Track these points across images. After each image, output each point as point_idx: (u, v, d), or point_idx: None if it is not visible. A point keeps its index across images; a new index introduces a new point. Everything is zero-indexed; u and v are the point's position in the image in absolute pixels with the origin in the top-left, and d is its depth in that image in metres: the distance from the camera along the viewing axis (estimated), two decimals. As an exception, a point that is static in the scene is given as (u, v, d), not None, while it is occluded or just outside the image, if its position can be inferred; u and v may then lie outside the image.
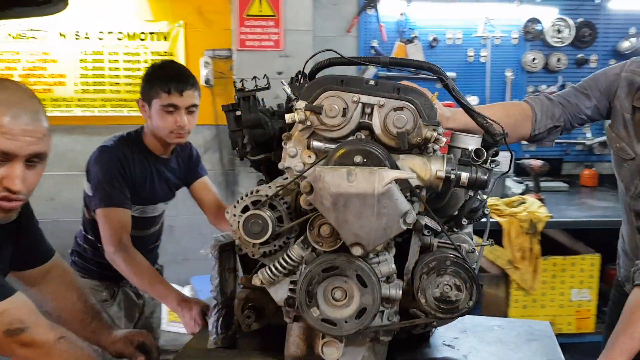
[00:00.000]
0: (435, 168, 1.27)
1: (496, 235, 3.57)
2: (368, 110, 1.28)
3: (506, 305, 3.76)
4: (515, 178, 4.20)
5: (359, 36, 4.47)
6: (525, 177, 4.17)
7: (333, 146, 1.28)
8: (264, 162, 1.51)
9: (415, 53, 4.37)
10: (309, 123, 1.28)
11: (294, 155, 1.34)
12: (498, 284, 3.76)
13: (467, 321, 1.69)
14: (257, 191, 1.34)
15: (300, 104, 1.27)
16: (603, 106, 1.92)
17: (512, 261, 3.66)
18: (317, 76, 1.44)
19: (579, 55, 4.54)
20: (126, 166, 2.27)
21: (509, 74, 4.54)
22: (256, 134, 1.46)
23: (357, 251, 1.22)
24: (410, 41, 4.39)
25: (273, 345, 1.50)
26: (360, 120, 1.29)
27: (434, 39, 4.46)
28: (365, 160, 1.22)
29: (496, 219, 3.62)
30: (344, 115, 1.27)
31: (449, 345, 1.59)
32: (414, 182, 1.26)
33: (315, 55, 1.45)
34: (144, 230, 2.45)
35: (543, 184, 4.14)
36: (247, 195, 1.34)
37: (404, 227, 1.21)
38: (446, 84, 1.36)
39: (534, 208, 3.69)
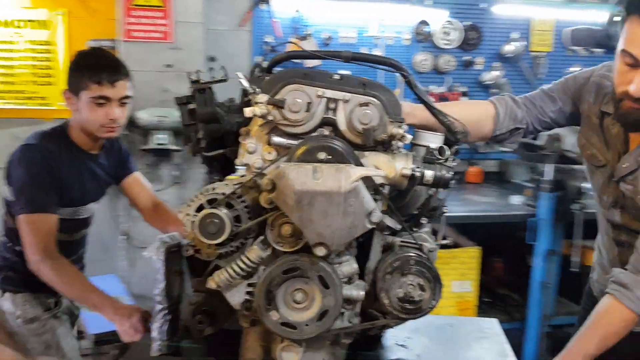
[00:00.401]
0: (400, 166, 1.24)
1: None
2: (332, 106, 1.23)
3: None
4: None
5: (253, 31, 4.33)
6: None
7: (295, 142, 1.23)
8: (218, 159, 1.42)
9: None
10: (270, 118, 1.22)
11: (253, 151, 1.27)
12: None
13: (419, 320, 1.66)
14: (213, 189, 1.26)
15: (262, 97, 1.20)
16: (569, 110, 1.88)
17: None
18: (274, 70, 1.38)
19: (466, 58, 4.68)
20: (54, 165, 2.06)
21: (400, 73, 4.61)
22: (212, 129, 1.37)
23: (320, 251, 1.17)
24: (304, 38, 4.35)
25: (223, 350, 1.42)
26: (324, 116, 1.24)
27: (329, 37, 4.45)
28: (329, 157, 1.18)
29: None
30: (307, 110, 1.22)
31: (402, 345, 1.58)
32: (378, 180, 1.22)
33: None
34: (73, 234, 2.24)
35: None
36: (202, 193, 1.26)
37: (369, 227, 1.18)
38: (408, 81, 1.34)
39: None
